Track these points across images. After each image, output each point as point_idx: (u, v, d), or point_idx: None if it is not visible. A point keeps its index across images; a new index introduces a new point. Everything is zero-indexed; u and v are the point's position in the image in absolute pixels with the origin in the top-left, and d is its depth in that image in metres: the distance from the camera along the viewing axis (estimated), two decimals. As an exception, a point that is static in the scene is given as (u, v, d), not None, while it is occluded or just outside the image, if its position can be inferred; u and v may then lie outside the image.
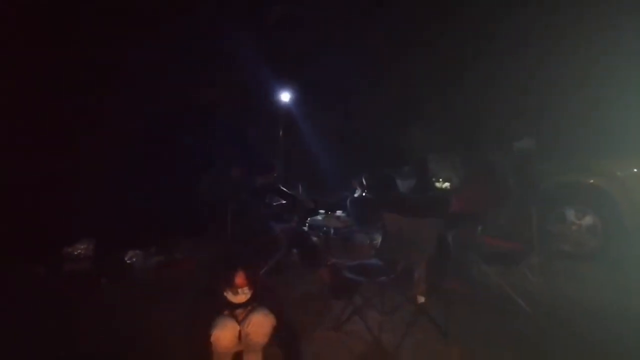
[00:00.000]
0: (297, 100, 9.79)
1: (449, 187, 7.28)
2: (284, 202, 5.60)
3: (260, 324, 2.85)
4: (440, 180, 7.76)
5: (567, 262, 5.03)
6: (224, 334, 2.80)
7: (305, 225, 6.05)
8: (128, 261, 5.45)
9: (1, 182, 5.63)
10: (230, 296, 2.89)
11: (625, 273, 4.58)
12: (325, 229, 5.90)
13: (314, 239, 5.72)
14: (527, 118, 6.93)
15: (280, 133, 9.81)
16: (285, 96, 9.65)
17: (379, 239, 4.80)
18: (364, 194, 6.96)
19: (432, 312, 3.64)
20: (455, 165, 7.23)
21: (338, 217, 6.17)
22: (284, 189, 5.64)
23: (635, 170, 4.81)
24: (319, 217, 6.22)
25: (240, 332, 2.85)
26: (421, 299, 3.56)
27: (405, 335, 3.39)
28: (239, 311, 2.91)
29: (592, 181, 5.03)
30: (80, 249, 5.49)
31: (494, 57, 8.28)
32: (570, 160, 5.33)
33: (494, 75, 8.26)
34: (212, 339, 2.77)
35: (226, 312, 2.90)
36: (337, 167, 8.94)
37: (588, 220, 5.03)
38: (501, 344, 3.25)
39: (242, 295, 2.89)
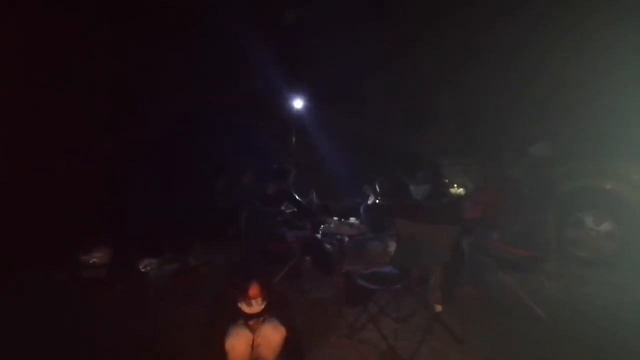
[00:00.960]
0: (311, 105, 9.81)
1: (464, 193, 7.23)
2: (296, 210, 5.58)
3: (270, 337, 2.88)
4: (455, 186, 7.71)
5: (585, 268, 4.94)
6: (239, 343, 2.82)
7: (319, 233, 6.04)
8: (143, 270, 5.51)
9: (23, 190, 5.74)
10: (244, 307, 2.92)
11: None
12: (339, 236, 5.88)
13: (328, 246, 5.70)
14: (544, 122, 6.85)
15: (294, 139, 9.83)
16: (298, 101, 9.67)
17: (393, 247, 4.77)
18: (377, 201, 6.93)
19: (449, 319, 3.61)
20: (470, 171, 7.18)
21: (352, 224, 6.14)
22: (297, 197, 5.63)
23: None
24: (333, 225, 6.21)
25: (253, 342, 2.86)
26: (438, 308, 3.52)
27: (421, 343, 3.36)
28: (253, 322, 2.94)
29: (609, 186, 4.95)
30: (97, 257, 5.57)
31: (510, 61, 8.22)
32: (588, 165, 5.25)
33: (510, 79, 8.20)
34: (227, 347, 2.79)
35: (241, 322, 2.92)
36: (351, 174, 8.93)
37: (606, 226, 4.94)
38: (519, 352, 3.21)
39: (255, 307, 2.92)
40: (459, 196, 7.26)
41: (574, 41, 7.49)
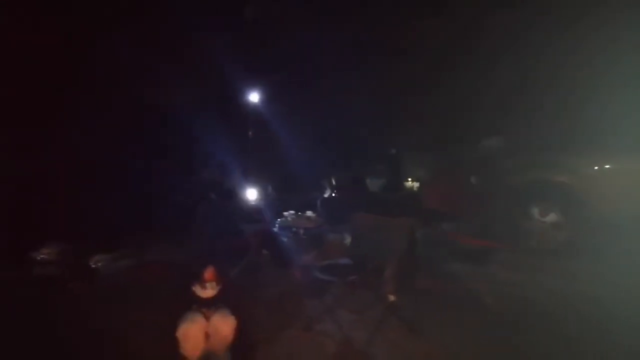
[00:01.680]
0: (268, 100, 9.74)
1: (419, 186, 7.38)
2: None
3: (220, 327, 2.89)
4: (411, 178, 7.87)
5: (535, 258, 5.11)
6: (192, 330, 2.82)
7: (275, 226, 6.01)
8: (93, 265, 5.30)
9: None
10: (198, 290, 2.97)
11: (592, 266, 4.70)
12: (295, 229, 5.88)
13: (284, 239, 5.69)
14: (496, 116, 7.07)
15: (250, 133, 9.72)
16: (255, 96, 9.58)
17: (349, 238, 4.80)
18: (334, 194, 6.97)
19: (403, 310, 3.66)
20: (426, 164, 7.33)
21: (308, 217, 6.15)
22: (230, 189, 5.58)
23: (597, 167, 4.95)
24: (290, 218, 6.19)
25: (206, 332, 2.85)
26: (391, 298, 3.57)
27: (376, 333, 3.39)
28: (206, 309, 2.94)
29: (558, 178, 5.12)
30: (45, 253, 5.31)
31: (462, 56, 8.42)
32: (537, 158, 5.44)
33: (463, 75, 8.40)
34: (179, 333, 2.78)
35: (194, 307, 2.94)
36: (308, 167, 8.93)
37: (554, 216, 5.14)
38: (472, 341, 3.29)
39: (210, 290, 2.98)
40: (415, 188, 7.41)
41: (524, 40, 7.75)
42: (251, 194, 7.21)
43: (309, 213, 6.31)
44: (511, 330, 3.41)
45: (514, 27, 7.89)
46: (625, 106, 5.10)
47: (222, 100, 9.16)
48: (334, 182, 7.17)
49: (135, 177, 6.57)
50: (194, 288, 2.97)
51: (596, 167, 4.95)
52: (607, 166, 4.91)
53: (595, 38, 6.62)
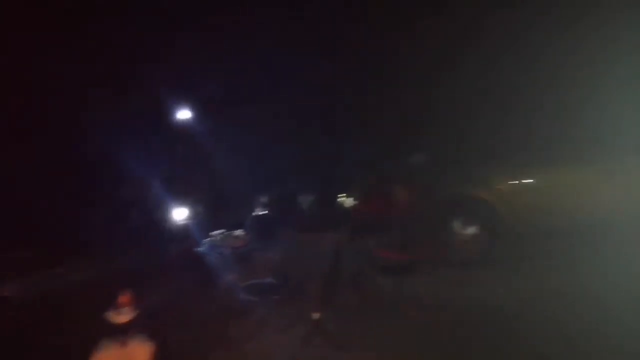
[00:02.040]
0: (198, 117, 9.54)
1: (350, 202, 7.45)
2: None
3: (136, 353, 2.73)
4: (345, 194, 7.93)
5: (458, 269, 5.25)
6: (105, 358, 2.67)
7: (202, 245, 5.83)
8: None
9: None
10: (112, 316, 2.77)
11: (509, 275, 4.89)
12: (222, 248, 5.73)
13: (210, 259, 5.52)
14: (422, 134, 7.33)
15: (179, 150, 9.46)
16: (185, 113, 9.37)
17: (277, 257, 4.74)
18: (265, 212, 6.89)
19: (329, 326, 3.62)
20: (359, 180, 7.42)
21: (237, 236, 6.02)
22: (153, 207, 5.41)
23: (511, 182, 5.23)
24: (218, 237, 6.04)
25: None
26: (315, 315, 3.52)
27: (302, 351, 3.33)
28: (122, 335, 2.76)
29: (477, 193, 5.34)
30: None
31: (388, 74, 8.66)
32: (458, 174, 5.66)
33: (391, 94, 8.65)
34: None
35: (109, 333, 2.75)
36: (240, 185, 8.79)
37: (474, 229, 5.34)
38: (399, 354, 3.29)
39: (125, 315, 2.78)
40: (346, 204, 7.46)
41: (443, 61, 8.13)
42: (179, 213, 6.98)
43: (238, 232, 6.18)
44: (434, 340, 3.44)
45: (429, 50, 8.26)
46: (533, 127, 5.46)
47: (148, 116, 8.88)
48: (265, 200, 7.10)
49: (44, 194, 6.18)
50: (108, 313, 2.77)
51: (509, 183, 5.23)
52: (518, 182, 5.22)
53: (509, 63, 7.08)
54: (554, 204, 5.02)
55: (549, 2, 7.75)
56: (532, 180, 5.20)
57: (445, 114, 7.51)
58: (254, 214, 6.82)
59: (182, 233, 5.60)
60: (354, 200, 6.76)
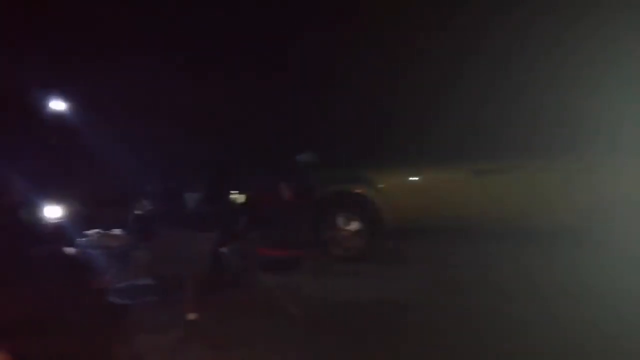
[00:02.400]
0: (75, 108, 8.85)
1: (237, 199, 7.42)
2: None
3: None
4: (237, 191, 7.85)
5: (340, 264, 5.47)
6: None
7: (76, 245, 5.43)
8: None
9: None
10: None
11: (389, 269, 5.21)
12: (98, 248, 5.38)
13: (83, 260, 5.17)
14: (306, 133, 7.54)
15: (53, 142, 8.69)
16: (59, 104, 8.65)
17: (155, 256, 4.58)
18: (147, 209, 6.62)
19: (207, 326, 3.59)
20: (242, 179, 7.42)
21: (115, 235, 5.69)
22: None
23: (392, 179, 5.63)
24: (95, 236, 5.66)
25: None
26: (192, 315, 3.48)
27: (177, 353, 3.26)
28: None
29: (357, 190, 5.66)
30: None
31: (276, 74, 8.75)
32: (341, 172, 5.93)
33: (279, 93, 8.75)
34: None
35: None
36: (122, 180, 8.32)
37: (355, 225, 5.62)
38: (278, 349, 3.31)
39: None
40: (231, 202, 7.42)
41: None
42: (51, 211, 6.45)
43: (116, 231, 5.85)
44: (318, 335, 3.49)
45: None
46: (408, 127, 5.91)
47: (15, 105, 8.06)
48: (148, 197, 6.81)
49: None
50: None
51: (391, 181, 5.61)
52: (399, 180, 5.64)
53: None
54: (433, 201, 5.42)
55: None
56: (411, 179, 5.65)
57: (330, 114, 7.80)
58: (135, 211, 6.50)
59: (53, 233, 5.15)
60: (241, 197, 6.77)
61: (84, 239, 5.60)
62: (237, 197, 7.71)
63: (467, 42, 7.75)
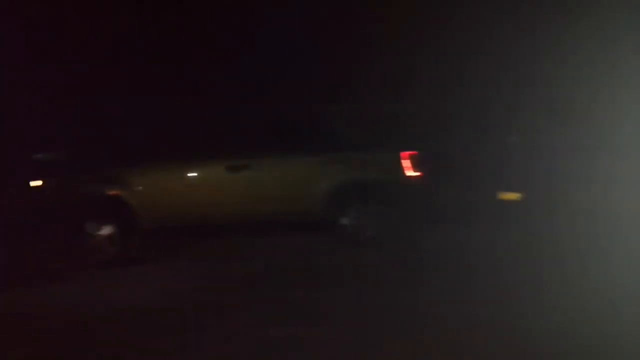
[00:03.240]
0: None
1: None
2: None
3: None
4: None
5: (102, 270, 5.04)
6: None
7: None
8: None
9: None
10: None
11: (154, 271, 5.08)
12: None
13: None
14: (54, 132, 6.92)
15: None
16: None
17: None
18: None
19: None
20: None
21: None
22: None
23: (148, 182, 5.38)
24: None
25: None
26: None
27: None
28: None
29: (112, 192, 5.31)
30: None
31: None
32: (98, 173, 5.50)
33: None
34: None
35: None
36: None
37: (110, 229, 5.29)
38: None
39: None
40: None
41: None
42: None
43: None
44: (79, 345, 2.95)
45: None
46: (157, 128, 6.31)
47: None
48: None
49: None
50: None
51: (148, 182, 5.39)
52: (154, 180, 5.39)
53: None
54: (188, 201, 5.35)
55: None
56: (167, 179, 5.46)
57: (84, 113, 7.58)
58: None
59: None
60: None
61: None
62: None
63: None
